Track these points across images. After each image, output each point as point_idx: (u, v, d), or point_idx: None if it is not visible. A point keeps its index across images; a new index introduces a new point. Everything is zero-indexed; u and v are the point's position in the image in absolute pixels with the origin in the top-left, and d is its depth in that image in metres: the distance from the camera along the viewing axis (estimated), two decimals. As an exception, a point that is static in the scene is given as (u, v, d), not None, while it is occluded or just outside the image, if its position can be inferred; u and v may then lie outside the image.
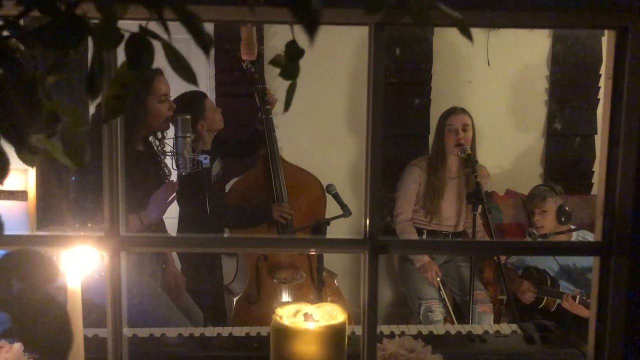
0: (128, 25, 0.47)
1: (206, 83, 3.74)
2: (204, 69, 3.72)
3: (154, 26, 0.49)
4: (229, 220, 2.77)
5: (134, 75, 0.47)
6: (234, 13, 0.56)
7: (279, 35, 3.47)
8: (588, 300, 2.80)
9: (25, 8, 0.42)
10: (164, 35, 0.45)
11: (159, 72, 2.26)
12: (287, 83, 0.65)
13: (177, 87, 2.48)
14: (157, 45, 0.49)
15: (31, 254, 0.38)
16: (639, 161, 0.72)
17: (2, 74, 0.33)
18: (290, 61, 0.59)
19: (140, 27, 0.45)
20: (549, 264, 3.05)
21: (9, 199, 2.03)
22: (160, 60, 0.55)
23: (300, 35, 0.65)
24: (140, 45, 0.43)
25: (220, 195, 2.79)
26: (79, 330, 0.93)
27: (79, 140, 0.53)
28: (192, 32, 0.38)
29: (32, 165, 0.65)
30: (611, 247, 0.74)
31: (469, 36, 0.62)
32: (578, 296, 2.83)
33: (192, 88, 2.92)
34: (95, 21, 0.43)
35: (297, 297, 2.75)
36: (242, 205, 2.86)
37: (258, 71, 2.84)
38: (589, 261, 2.77)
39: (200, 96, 2.81)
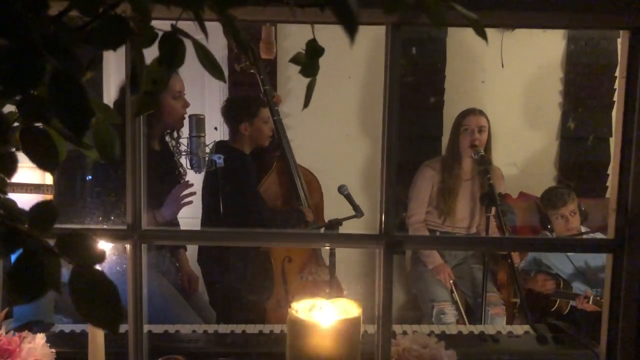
0: (155, 24, 0.49)
1: (219, 84, 3.78)
2: (218, 70, 3.75)
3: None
4: (265, 221, 2.79)
5: (164, 72, 0.50)
6: (266, 13, 0.59)
7: (292, 37, 3.50)
8: (601, 300, 2.78)
9: (66, 8, 0.44)
10: (195, 34, 0.47)
11: None
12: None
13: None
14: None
15: (80, 235, 0.40)
16: (652, 159, 0.73)
17: (57, 66, 0.35)
18: (311, 59, 0.61)
19: (173, 26, 0.48)
20: (561, 266, 3.03)
21: (35, 192, 2.08)
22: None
23: (318, 34, 0.67)
24: (172, 43, 0.46)
25: (254, 195, 2.81)
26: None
27: (109, 135, 0.55)
28: (232, 34, 0.40)
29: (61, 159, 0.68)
30: (623, 244, 0.75)
31: (484, 36, 0.63)
32: (591, 297, 2.82)
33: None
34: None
35: (319, 293, 2.79)
36: (277, 210, 2.88)
37: (263, 73, 2.85)
38: (602, 260, 2.75)
39: (261, 103, 2.85)
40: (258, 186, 2.87)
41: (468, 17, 0.64)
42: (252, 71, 2.86)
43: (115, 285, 0.38)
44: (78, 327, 1.58)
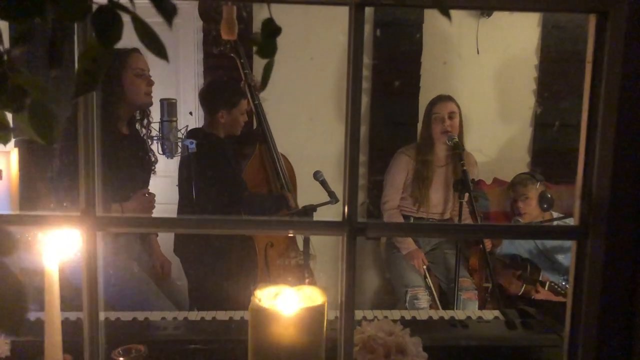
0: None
1: (194, 68, 3.71)
2: (192, 53, 3.69)
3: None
4: (247, 207, 2.74)
5: (104, 49, 0.46)
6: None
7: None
8: (556, 287, 2.83)
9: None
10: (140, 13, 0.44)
11: (136, 50, 2.23)
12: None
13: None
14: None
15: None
16: (616, 145, 0.73)
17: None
18: (267, 39, 0.58)
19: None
20: (529, 248, 3.08)
21: (-20, 177, 2.01)
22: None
23: (278, 13, 0.64)
24: (107, 17, 0.43)
25: (235, 179, 2.76)
26: (56, 312, 0.92)
27: (48, 116, 0.52)
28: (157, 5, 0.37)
29: (3, 143, 0.64)
30: (587, 231, 0.75)
31: (447, 16, 0.61)
32: (547, 282, 2.87)
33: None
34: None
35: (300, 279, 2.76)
36: (260, 194, 2.84)
37: (243, 56, 2.79)
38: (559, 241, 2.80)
39: (242, 94, 2.79)
40: (241, 171, 2.83)
41: (431, -4, 0.62)
42: (232, 55, 2.79)
43: (19, 280, 0.35)
44: (33, 315, 1.52)
